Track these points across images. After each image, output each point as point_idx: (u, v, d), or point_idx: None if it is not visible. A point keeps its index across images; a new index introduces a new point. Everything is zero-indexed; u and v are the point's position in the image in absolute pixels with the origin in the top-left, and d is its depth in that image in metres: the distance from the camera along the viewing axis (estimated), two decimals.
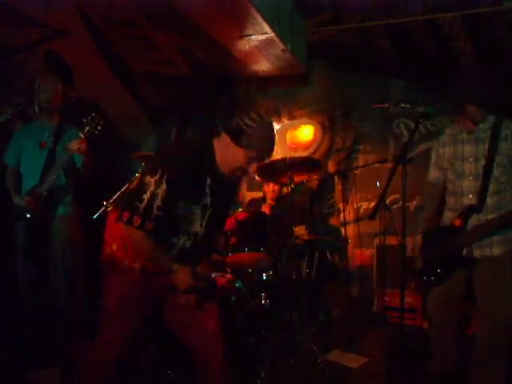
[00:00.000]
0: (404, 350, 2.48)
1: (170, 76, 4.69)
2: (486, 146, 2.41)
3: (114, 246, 2.00)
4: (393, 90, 4.79)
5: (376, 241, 4.40)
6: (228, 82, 5.08)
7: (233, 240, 3.19)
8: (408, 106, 2.58)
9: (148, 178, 1.87)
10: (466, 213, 2.45)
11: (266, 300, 3.16)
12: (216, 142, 2.01)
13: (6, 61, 3.87)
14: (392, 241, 4.10)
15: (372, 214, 2.25)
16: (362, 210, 4.79)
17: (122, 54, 4.31)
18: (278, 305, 3.24)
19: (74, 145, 3.05)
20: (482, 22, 3.69)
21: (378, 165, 4.09)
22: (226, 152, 1.97)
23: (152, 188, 1.85)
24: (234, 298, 2.92)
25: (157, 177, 1.85)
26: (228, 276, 3.22)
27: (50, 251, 3.20)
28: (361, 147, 4.89)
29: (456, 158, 2.53)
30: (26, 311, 3.19)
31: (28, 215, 3.14)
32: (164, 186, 1.85)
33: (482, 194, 2.40)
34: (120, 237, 1.98)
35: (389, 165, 4.08)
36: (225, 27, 3.48)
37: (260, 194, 4.85)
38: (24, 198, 3.12)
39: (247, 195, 5.19)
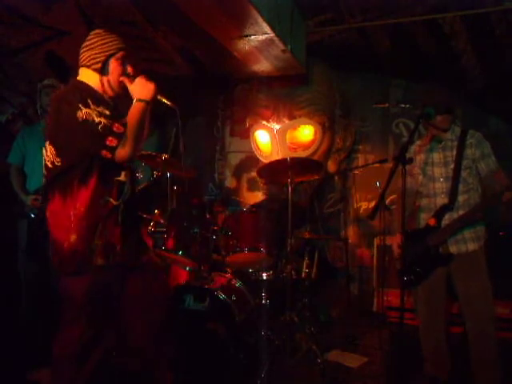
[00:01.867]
0: (404, 349, 2.49)
1: (170, 76, 4.70)
2: (454, 153, 2.63)
3: (72, 238, 1.95)
4: (393, 89, 4.79)
5: (376, 241, 4.41)
6: (228, 82, 5.08)
7: (233, 240, 3.19)
8: (408, 105, 2.60)
9: None
10: (440, 212, 2.62)
11: (266, 300, 3.17)
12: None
13: (6, 61, 3.88)
14: (392, 241, 4.10)
15: (372, 214, 2.27)
16: (361, 210, 4.80)
17: None
18: (278, 304, 3.25)
19: None
20: (482, 21, 3.69)
21: (377, 165, 4.09)
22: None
23: None
24: (234, 298, 2.93)
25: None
26: (228, 276, 3.23)
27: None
28: (361, 147, 4.90)
29: (427, 163, 2.74)
30: (26, 311, 3.19)
31: (32, 215, 3.16)
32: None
33: (452, 193, 2.60)
34: (78, 220, 1.94)
35: (389, 165, 4.09)
36: (225, 27, 3.48)
37: (260, 195, 4.86)
38: (30, 197, 3.15)
39: (248, 195, 5.20)
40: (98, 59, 2.07)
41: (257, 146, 4.95)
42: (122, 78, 2.11)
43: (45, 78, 3.38)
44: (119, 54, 2.10)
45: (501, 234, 3.73)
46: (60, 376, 2.02)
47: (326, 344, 3.36)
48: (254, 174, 5.14)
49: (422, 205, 2.77)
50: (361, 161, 4.87)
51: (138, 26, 3.78)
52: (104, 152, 1.91)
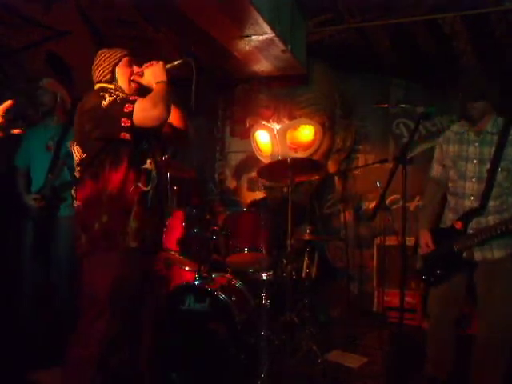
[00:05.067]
0: (404, 349, 2.48)
1: (170, 76, 4.69)
2: (493, 150, 2.37)
3: (104, 218, 1.97)
4: (393, 90, 4.79)
5: (376, 241, 4.40)
6: (228, 82, 5.08)
7: (233, 240, 3.19)
8: (408, 105, 2.58)
9: None
10: (467, 216, 2.43)
11: (266, 300, 3.16)
12: None
13: (6, 61, 3.87)
14: (392, 241, 4.11)
15: (372, 214, 2.27)
16: (362, 210, 4.80)
17: None
18: (278, 305, 3.25)
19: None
20: (482, 21, 3.69)
21: (378, 165, 4.09)
22: None
23: None
24: (234, 298, 2.93)
25: None
26: (228, 276, 3.22)
27: (54, 252, 3.20)
28: (361, 147, 4.89)
29: (460, 157, 2.48)
30: (27, 311, 3.19)
31: (36, 215, 3.15)
32: None
33: (484, 197, 2.37)
34: (110, 202, 1.98)
35: (389, 165, 4.08)
36: (225, 27, 3.48)
37: (261, 195, 4.86)
38: (30, 197, 3.14)
39: (248, 195, 5.20)
40: (106, 71, 2.19)
41: (257, 146, 4.95)
42: (132, 78, 2.21)
43: (43, 78, 3.37)
44: (123, 61, 2.22)
45: None
46: (75, 381, 1.94)
47: (326, 344, 3.35)
48: (254, 174, 5.14)
49: (449, 202, 2.58)
50: (361, 161, 4.86)
51: (138, 26, 3.78)
52: (122, 134, 1.96)
